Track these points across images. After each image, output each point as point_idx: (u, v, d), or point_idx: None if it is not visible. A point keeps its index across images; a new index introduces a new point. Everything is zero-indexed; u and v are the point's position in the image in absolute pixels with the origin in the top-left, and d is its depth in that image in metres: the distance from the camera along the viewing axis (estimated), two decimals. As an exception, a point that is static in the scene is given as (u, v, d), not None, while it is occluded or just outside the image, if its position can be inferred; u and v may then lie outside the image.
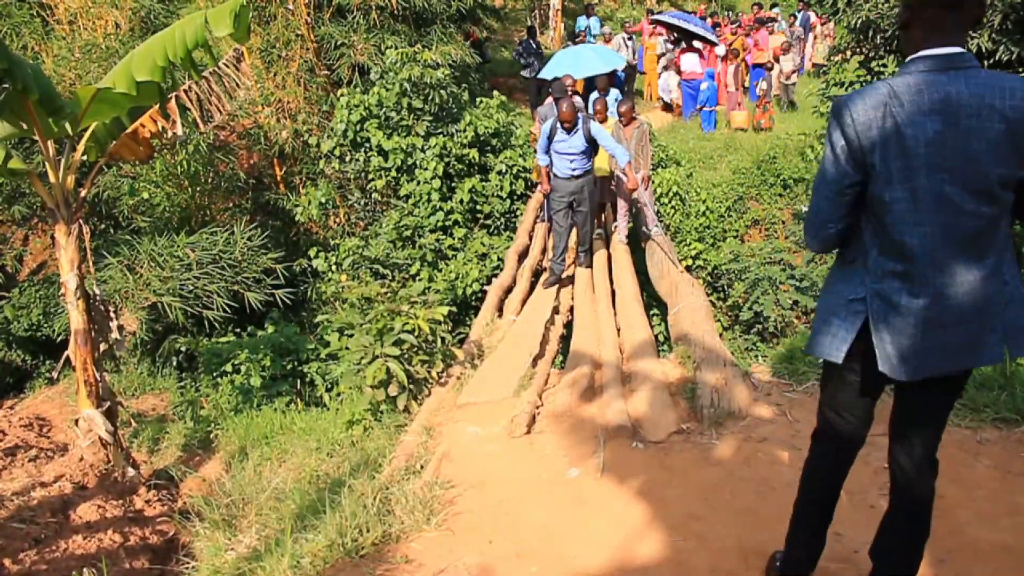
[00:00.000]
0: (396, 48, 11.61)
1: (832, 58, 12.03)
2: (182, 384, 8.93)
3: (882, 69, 11.35)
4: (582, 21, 19.36)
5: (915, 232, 2.35)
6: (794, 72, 16.21)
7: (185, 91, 5.97)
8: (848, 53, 11.48)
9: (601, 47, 15.70)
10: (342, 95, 11.45)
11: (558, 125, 7.83)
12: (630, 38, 18.59)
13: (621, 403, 5.03)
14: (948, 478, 3.33)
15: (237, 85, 6.17)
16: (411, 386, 5.37)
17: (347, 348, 5.54)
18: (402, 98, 11.12)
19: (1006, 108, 2.27)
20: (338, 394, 7.89)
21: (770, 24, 17.65)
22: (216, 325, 9.49)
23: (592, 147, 7.99)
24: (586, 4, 20.68)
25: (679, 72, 16.04)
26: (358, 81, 12.15)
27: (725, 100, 15.51)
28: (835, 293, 2.58)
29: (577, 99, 10.61)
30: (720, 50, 15.65)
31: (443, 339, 5.76)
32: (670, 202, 12.26)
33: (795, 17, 17.52)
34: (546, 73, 13.64)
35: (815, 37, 17.97)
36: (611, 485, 4.14)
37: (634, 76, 17.72)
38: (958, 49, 2.33)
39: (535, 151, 9.14)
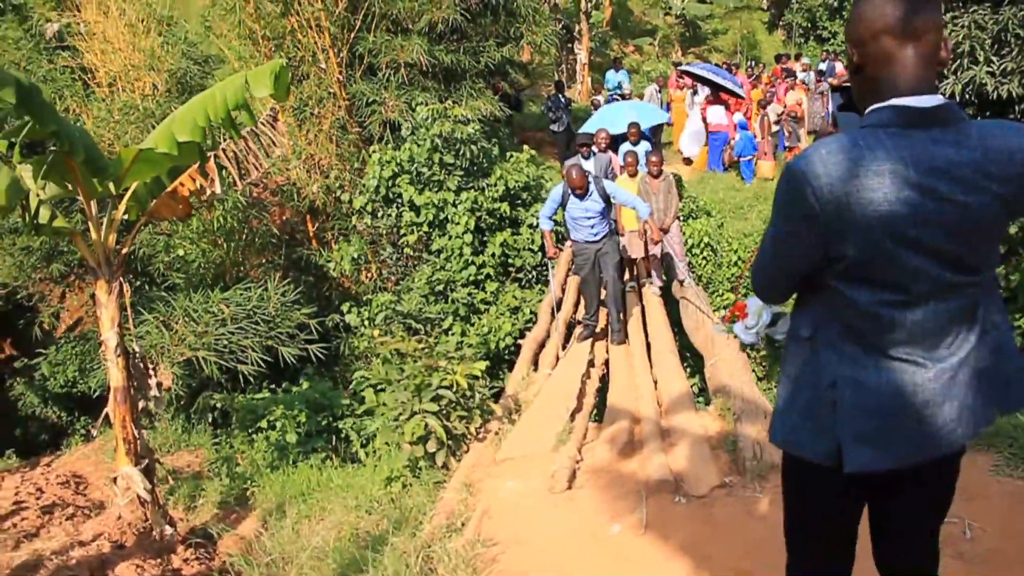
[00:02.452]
0: (426, 104, 11.78)
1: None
2: (217, 441, 8.94)
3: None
4: (611, 76, 19.50)
5: (891, 312, 1.92)
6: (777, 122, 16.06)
7: (223, 150, 6.09)
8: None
9: (641, 103, 15.85)
10: (374, 151, 11.60)
11: (569, 192, 7.72)
12: (659, 90, 18.70)
13: (662, 457, 4.97)
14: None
15: (273, 143, 6.26)
16: (449, 442, 5.34)
17: (384, 404, 5.53)
18: (433, 153, 11.23)
19: (1007, 175, 1.85)
20: (374, 450, 7.86)
21: (790, 79, 17.66)
22: (251, 380, 9.52)
23: (609, 206, 7.91)
24: (614, 59, 20.90)
25: (706, 124, 16.10)
26: (389, 137, 12.32)
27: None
28: (802, 376, 2.11)
29: (604, 155, 10.64)
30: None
31: (481, 394, 5.74)
32: (701, 252, 12.25)
33: (822, 73, 17.57)
34: (586, 128, 13.82)
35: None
36: (654, 541, 4.07)
37: (661, 128, 17.84)
38: (939, 99, 1.88)
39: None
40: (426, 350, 5.62)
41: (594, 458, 5.21)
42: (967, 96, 9.45)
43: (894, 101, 1.87)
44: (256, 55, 12.12)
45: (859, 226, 1.84)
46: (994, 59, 9.43)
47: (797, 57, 21.49)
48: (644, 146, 11.66)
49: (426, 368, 5.41)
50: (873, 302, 1.92)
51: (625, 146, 11.47)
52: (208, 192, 6.01)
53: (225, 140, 6.05)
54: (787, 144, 15.53)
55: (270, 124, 6.29)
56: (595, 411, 7.27)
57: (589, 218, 7.79)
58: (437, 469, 5.34)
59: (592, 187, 7.63)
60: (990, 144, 1.85)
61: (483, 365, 5.71)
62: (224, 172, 6.17)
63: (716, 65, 19.31)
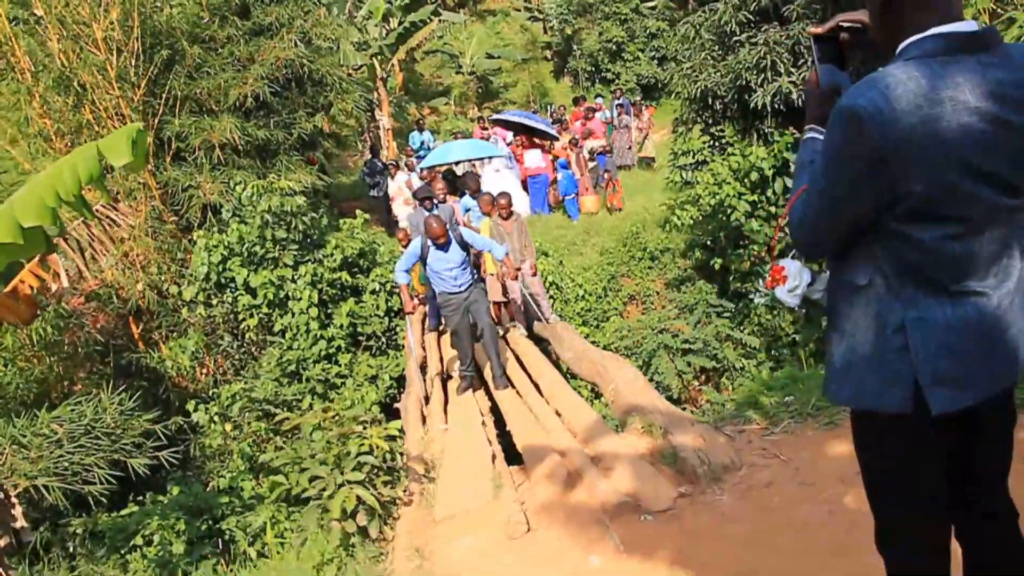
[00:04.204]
0: (244, 183, 11.26)
1: (676, 128, 12.59)
2: (76, 574, 7.92)
3: (722, 134, 12.01)
4: (416, 137, 19.57)
5: (953, 246, 1.87)
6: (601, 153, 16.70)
7: (64, 239, 5.45)
8: (690, 123, 12.07)
9: (475, 140, 16.23)
10: (199, 237, 10.93)
11: (429, 243, 7.55)
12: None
13: (606, 482, 4.81)
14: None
15: (116, 224, 5.69)
16: (380, 511, 4.92)
17: (297, 483, 5.03)
18: (264, 230, 10.73)
19: None
20: (263, 544, 7.22)
21: (592, 113, 18.30)
22: (103, 500, 8.59)
23: (469, 254, 7.83)
24: (416, 120, 21.00)
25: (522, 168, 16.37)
26: (212, 221, 11.66)
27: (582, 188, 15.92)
28: (861, 327, 2.02)
29: (446, 206, 10.57)
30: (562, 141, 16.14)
31: (401, 455, 5.35)
32: (548, 291, 12.31)
33: (622, 107, 18.35)
34: (424, 164, 13.95)
35: (640, 130, 18.80)
36: (639, 563, 3.88)
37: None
38: (975, 24, 1.85)
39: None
40: (335, 418, 5.19)
41: (537, 498, 4.96)
42: (776, 105, 10.04)
43: (936, 30, 1.83)
44: (51, 152, 11.15)
45: (926, 159, 1.79)
46: (793, 70, 10.10)
47: (595, 98, 22.45)
48: (466, 200, 11.78)
49: (340, 436, 4.99)
50: (937, 238, 1.87)
51: (466, 200, 11.52)
52: (55, 288, 5.35)
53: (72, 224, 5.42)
54: (605, 178, 16.02)
55: (111, 206, 5.72)
56: (504, 456, 7.02)
57: (451, 268, 7.66)
58: (372, 542, 4.90)
59: (451, 236, 7.52)
60: None
61: (399, 423, 5.34)
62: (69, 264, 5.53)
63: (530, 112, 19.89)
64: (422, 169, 15.22)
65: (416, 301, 10.01)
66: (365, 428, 5.12)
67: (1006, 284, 1.96)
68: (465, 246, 7.69)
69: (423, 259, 7.71)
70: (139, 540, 7.27)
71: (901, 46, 1.90)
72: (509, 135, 17.32)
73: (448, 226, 7.59)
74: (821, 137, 2.08)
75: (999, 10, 6.70)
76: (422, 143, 19.20)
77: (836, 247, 2.06)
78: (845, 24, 2.18)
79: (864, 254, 2.00)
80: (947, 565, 2.16)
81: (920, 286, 1.94)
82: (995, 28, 1.90)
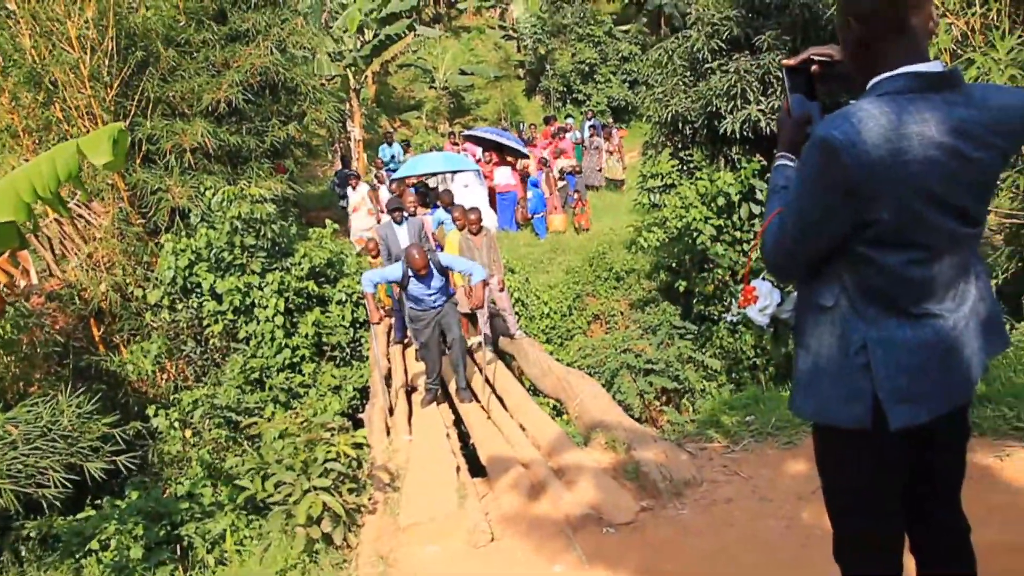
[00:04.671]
0: (215, 188, 11.22)
1: (646, 151, 12.78)
2: (24, 578, 7.80)
3: (690, 158, 12.20)
4: (385, 150, 19.60)
5: (916, 270, 1.99)
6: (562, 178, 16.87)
7: (36, 235, 5.43)
8: (659, 147, 12.26)
9: (448, 153, 16.27)
10: (166, 241, 10.86)
11: (410, 273, 7.47)
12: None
13: (570, 494, 4.88)
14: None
15: (89, 223, 5.68)
16: (346, 518, 4.93)
17: (262, 489, 5.04)
18: (233, 236, 10.70)
19: (1008, 131, 1.99)
20: (222, 552, 7.18)
21: (563, 134, 18.46)
22: (57, 504, 8.48)
23: (447, 279, 7.81)
24: (384, 133, 21.03)
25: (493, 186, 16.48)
26: (180, 226, 11.60)
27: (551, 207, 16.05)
28: (826, 345, 2.11)
29: (416, 219, 10.59)
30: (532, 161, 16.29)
31: (367, 463, 5.38)
32: (514, 308, 12.38)
33: (595, 128, 18.55)
34: (396, 176, 14.03)
35: (610, 152, 18.99)
36: (602, 574, 3.94)
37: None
38: (943, 64, 1.98)
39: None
40: (304, 424, 5.21)
41: (501, 509, 5.02)
42: (744, 132, 10.25)
43: (907, 68, 1.95)
44: (17, 148, 11.02)
45: (893, 189, 1.90)
46: (762, 99, 10.32)
47: (565, 118, 22.65)
48: (439, 213, 11.84)
49: (308, 443, 5.01)
50: (901, 263, 1.98)
51: (442, 213, 11.57)
52: (23, 284, 5.32)
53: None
54: (574, 198, 16.18)
55: (84, 204, 5.71)
56: (469, 468, 7.06)
57: (431, 294, 7.71)
58: (337, 549, 4.92)
59: (431, 268, 7.50)
60: (992, 103, 1.97)
61: (365, 432, 5.37)
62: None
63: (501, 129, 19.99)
64: (391, 182, 15.24)
65: (383, 312, 10.04)
66: (332, 435, 5.15)
67: (963, 307, 2.08)
68: (444, 271, 7.70)
69: (402, 286, 7.66)
70: (95, 544, 7.18)
71: (872, 81, 2.01)
72: (479, 151, 17.44)
73: (428, 256, 7.54)
74: (792, 164, 2.20)
75: (959, 51, 6.94)
76: (392, 156, 19.24)
77: (806, 270, 2.15)
78: (816, 57, 2.29)
79: (831, 277, 2.10)
80: None
81: (883, 308, 2.04)
82: (959, 69, 2.02)
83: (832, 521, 2.32)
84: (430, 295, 7.69)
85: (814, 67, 2.30)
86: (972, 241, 2.08)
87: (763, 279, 2.44)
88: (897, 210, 1.92)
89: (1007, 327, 6.79)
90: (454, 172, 15.41)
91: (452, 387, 8.38)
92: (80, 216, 5.50)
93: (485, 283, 7.82)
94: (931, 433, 2.16)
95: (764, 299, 2.39)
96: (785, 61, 2.38)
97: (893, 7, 1.95)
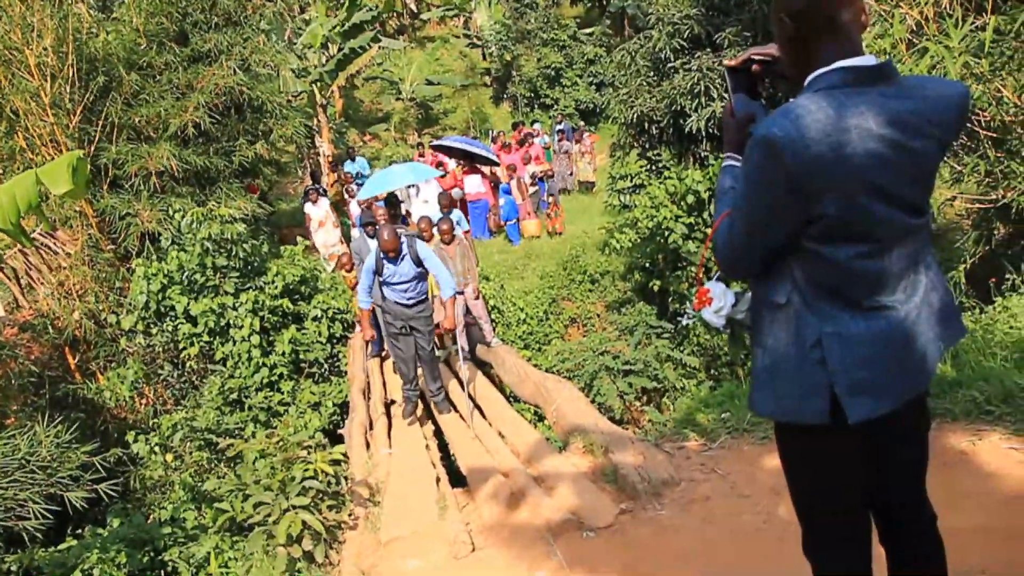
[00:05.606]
0: (184, 210, 11.16)
1: (614, 153, 12.85)
2: (10, 612, 7.73)
3: (658, 158, 12.27)
4: (350, 166, 19.42)
5: (865, 264, 2.02)
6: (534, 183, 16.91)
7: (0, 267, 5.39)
8: (627, 148, 12.33)
9: (415, 164, 16.11)
10: (138, 265, 10.79)
11: (382, 256, 7.40)
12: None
13: (550, 500, 4.90)
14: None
15: (55, 252, 5.64)
16: (326, 535, 4.93)
17: (241, 511, 5.02)
18: (205, 257, 10.65)
19: (945, 121, 2.02)
20: (207, 575, 7.13)
21: (530, 139, 18.46)
22: (38, 536, 8.39)
23: (424, 270, 7.64)
24: (347, 149, 20.92)
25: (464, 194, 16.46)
26: (150, 250, 11.52)
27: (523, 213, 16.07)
28: (782, 343, 2.13)
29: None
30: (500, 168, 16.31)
31: (346, 479, 5.37)
32: (490, 315, 12.38)
33: (563, 132, 18.59)
34: (363, 195, 13.91)
35: (582, 154, 19.03)
36: (584, 579, 3.96)
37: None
38: (875, 58, 2.00)
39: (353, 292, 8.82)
40: (279, 443, 5.20)
41: (481, 518, 5.03)
42: (710, 129, 10.32)
43: (841, 63, 1.98)
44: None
45: (836, 183, 1.93)
46: (726, 95, 10.39)
47: (532, 123, 22.66)
48: (457, 215, 11.77)
49: (285, 462, 5.00)
50: (851, 257, 2.01)
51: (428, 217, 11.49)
52: (-10, 318, 5.28)
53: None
54: (548, 203, 16.22)
55: (49, 234, 5.67)
56: (449, 479, 7.06)
57: (403, 282, 7.52)
58: (319, 567, 4.91)
59: (404, 249, 7.37)
60: (928, 94, 2.01)
61: (343, 448, 5.36)
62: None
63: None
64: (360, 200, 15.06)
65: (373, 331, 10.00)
66: (310, 453, 5.14)
67: (914, 298, 2.11)
68: (419, 262, 7.54)
69: (377, 272, 7.56)
70: (78, 574, 7.11)
71: (809, 78, 2.05)
72: (452, 163, 17.36)
73: (403, 237, 7.46)
74: (738, 164, 2.23)
75: (914, 40, 7.03)
76: (358, 172, 19.12)
77: (758, 268, 2.18)
78: (756, 57, 2.34)
79: (783, 274, 2.13)
80: (869, 568, 2.29)
81: (835, 302, 2.07)
82: (892, 62, 2.03)
83: (799, 516, 2.35)
84: (403, 284, 7.51)
85: (755, 67, 2.34)
86: (919, 231, 2.10)
87: (717, 280, 2.46)
88: (842, 204, 1.95)
89: (978, 311, 6.89)
90: (412, 191, 15.13)
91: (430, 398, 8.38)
92: (45, 246, 5.46)
93: (455, 298, 7.77)
94: (891, 424, 2.18)
95: (718, 300, 2.41)
96: (726, 62, 2.42)
97: (824, 3, 1.99)
